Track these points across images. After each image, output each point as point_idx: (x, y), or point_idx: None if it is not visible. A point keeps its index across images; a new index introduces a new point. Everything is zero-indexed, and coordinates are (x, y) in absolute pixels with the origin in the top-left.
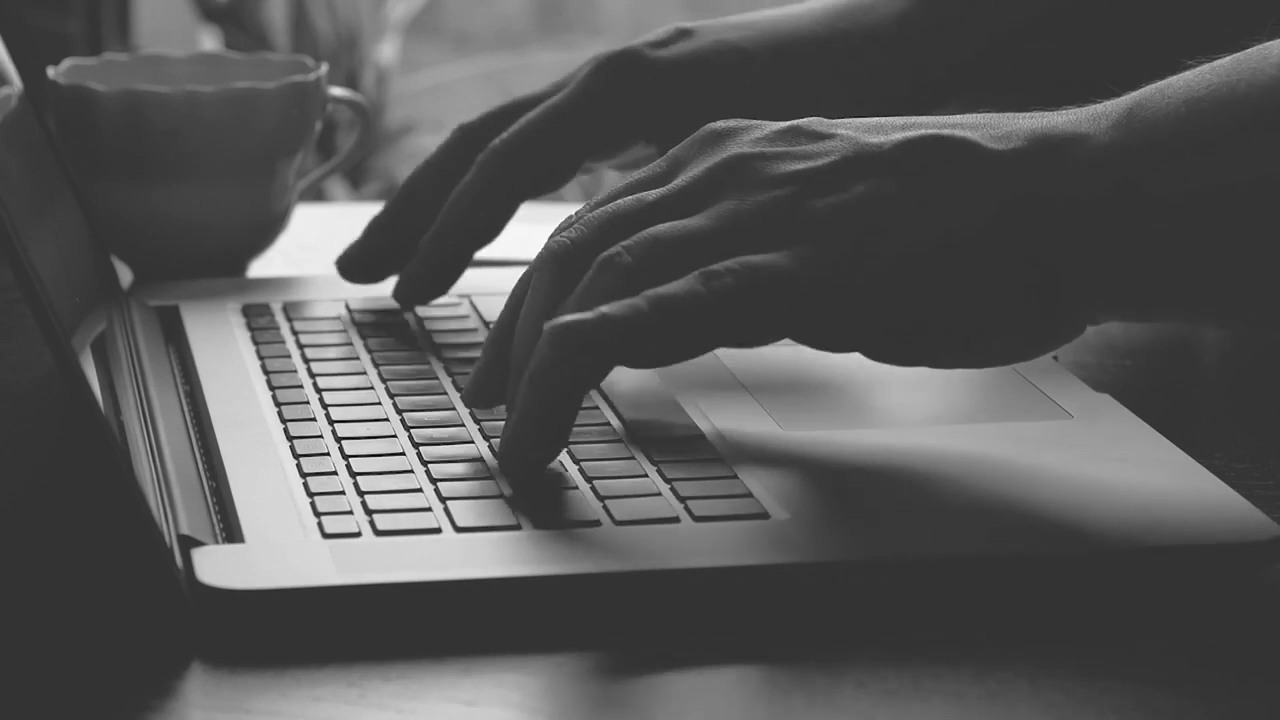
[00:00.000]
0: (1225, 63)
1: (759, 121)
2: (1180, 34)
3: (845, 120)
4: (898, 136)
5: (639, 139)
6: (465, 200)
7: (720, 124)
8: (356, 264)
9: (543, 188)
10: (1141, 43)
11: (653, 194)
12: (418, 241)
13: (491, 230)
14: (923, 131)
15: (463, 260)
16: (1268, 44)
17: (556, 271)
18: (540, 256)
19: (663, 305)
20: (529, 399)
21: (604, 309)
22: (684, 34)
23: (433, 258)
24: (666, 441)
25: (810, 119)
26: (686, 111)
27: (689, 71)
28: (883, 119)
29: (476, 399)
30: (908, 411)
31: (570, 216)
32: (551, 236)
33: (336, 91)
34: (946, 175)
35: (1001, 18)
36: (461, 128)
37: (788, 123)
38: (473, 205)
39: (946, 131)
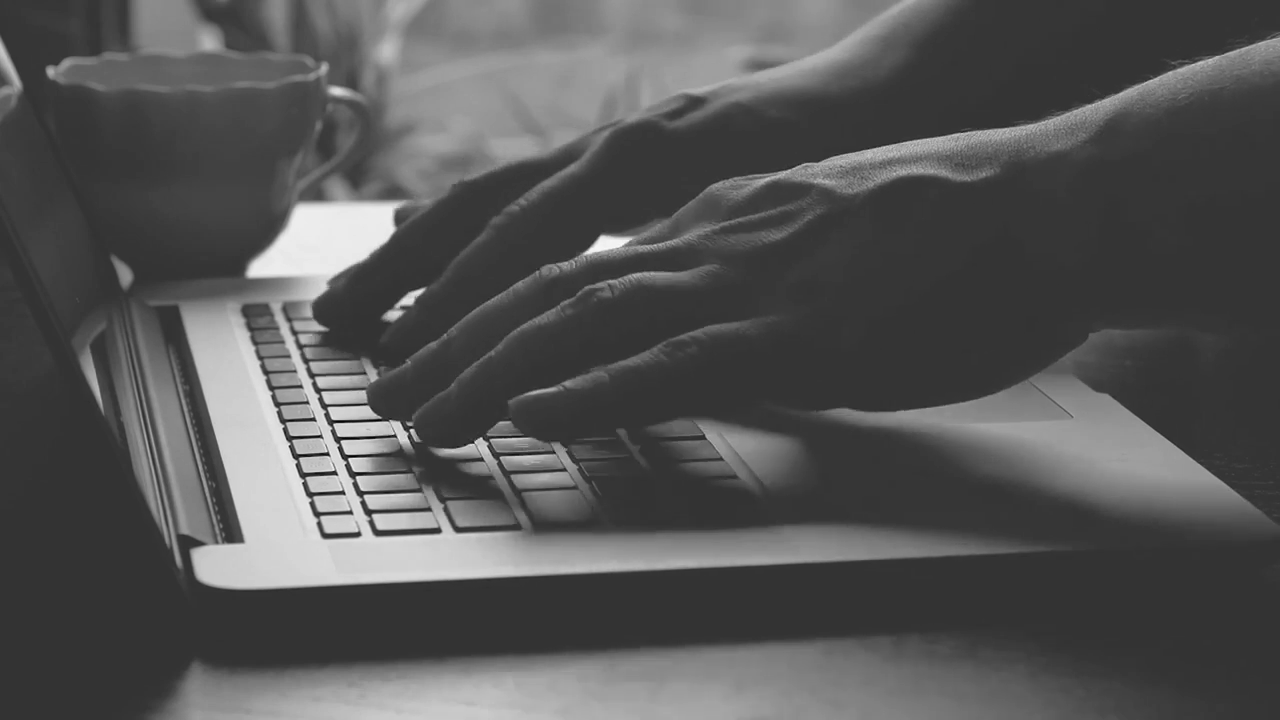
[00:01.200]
0: (1207, 67)
1: (749, 180)
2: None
3: (825, 165)
4: (870, 185)
5: (656, 212)
6: (478, 262)
7: (720, 186)
8: (336, 307)
9: (558, 259)
10: (1138, 58)
11: (644, 247)
12: (397, 290)
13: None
14: (891, 176)
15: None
16: (1249, 48)
17: (541, 290)
18: (532, 278)
19: (625, 376)
20: (464, 400)
21: (567, 384)
22: (695, 102)
23: (435, 314)
24: (666, 441)
25: (794, 169)
26: (704, 181)
27: (704, 140)
28: (863, 157)
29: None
30: (907, 411)
31: None
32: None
33: (336, 91)
34: (918, 222)
35: (1007, 57)
36: (465, 184)
37: (770, 179)
38: (486, 269)
39: (918, 171)
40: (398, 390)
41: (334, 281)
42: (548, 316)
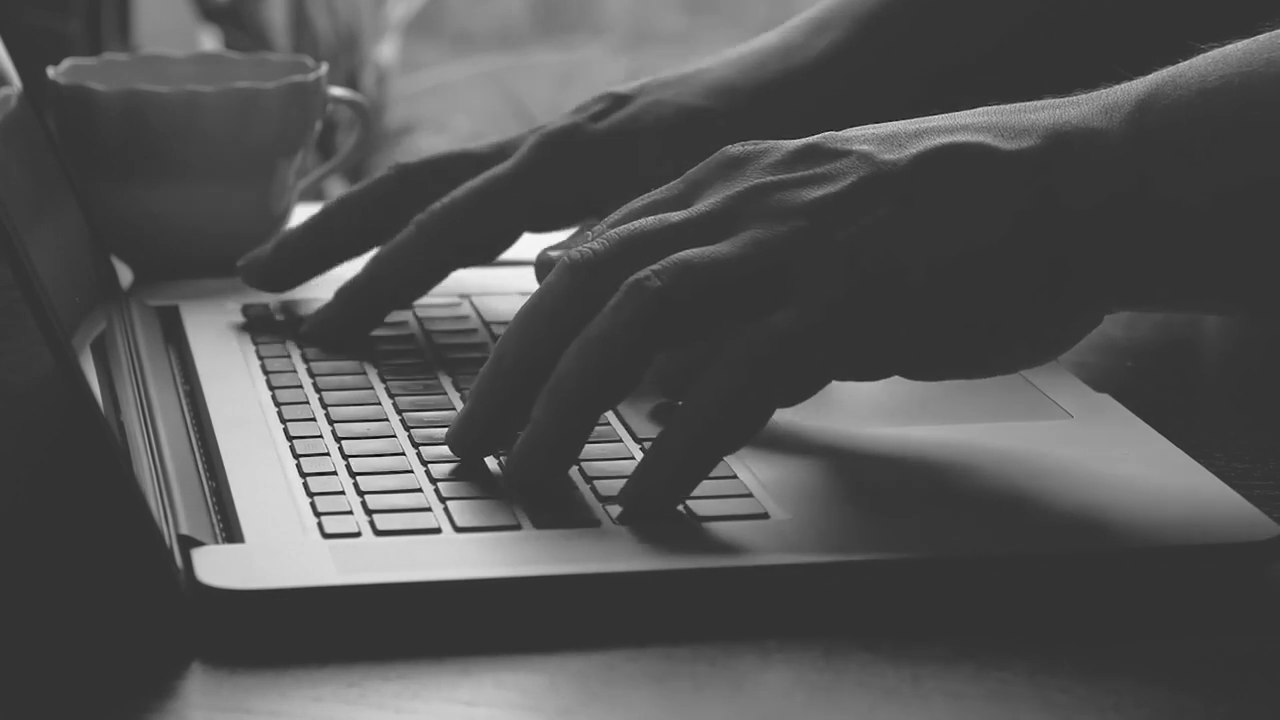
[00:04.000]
0: (1238, 51)
1: (773, 143)
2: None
3: (858, 133)
4: (912, 151)
5: (584, 211)
6: (398, 258)
7: (736, 148)
8: (259, 271)
9: (477, 258)
10: (1088, 54)
11: (676, 216)
12: (320, 263)
13: (416, 292)
14: (937, 142)
15: (380, 315)
16: (1278, 31)
17: (575, 282)
18: (560, 264)
19: (704, 411)
20: (546, 414)
21: (656, 451)
22: (620, 101)
23: (351, 306)
24: None
25: (824, 135)
26: (625, 179)
27: (625, 139)
28: (896, 127)
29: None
30: (908, 411)
31: (585, 233)
32: (568, 250)
33: (336, 91)
34: (964, 187)
35: (954, 41)
36: (399, 166)
37: (801, 142)
38: (405, 265)
39: (961, 139)
40: (470, 428)
41: (260, 251)
42: (600, 326)
